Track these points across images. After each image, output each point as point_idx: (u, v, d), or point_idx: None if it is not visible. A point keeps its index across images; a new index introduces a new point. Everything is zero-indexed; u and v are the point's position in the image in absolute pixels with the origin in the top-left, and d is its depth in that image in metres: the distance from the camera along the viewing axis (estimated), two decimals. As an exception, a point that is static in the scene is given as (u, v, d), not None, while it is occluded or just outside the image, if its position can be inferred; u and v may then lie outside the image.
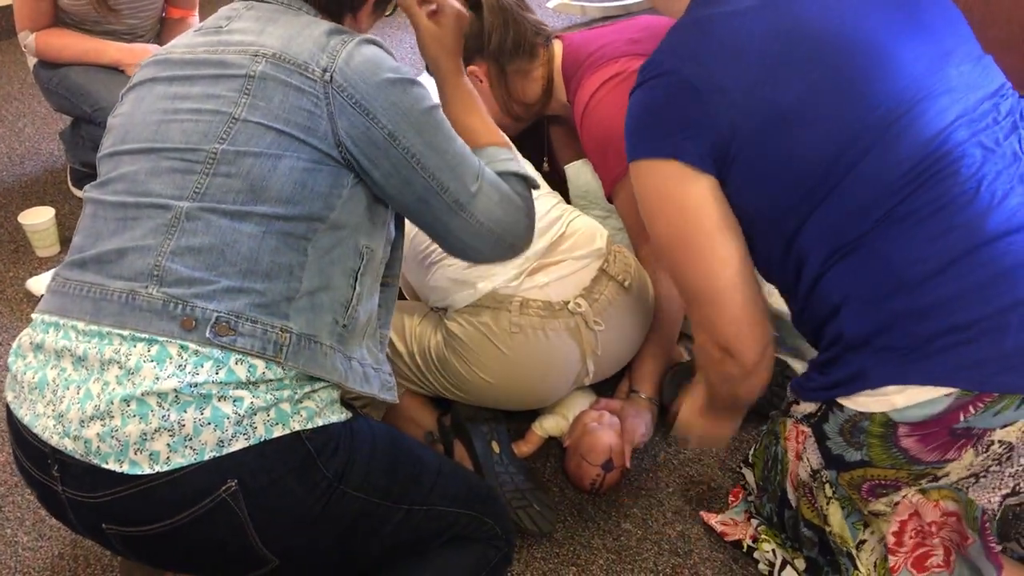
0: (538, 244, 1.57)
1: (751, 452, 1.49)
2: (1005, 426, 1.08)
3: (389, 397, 1.22)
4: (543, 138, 2.06)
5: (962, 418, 1.08)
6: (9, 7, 2.31)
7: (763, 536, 1.43)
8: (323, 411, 1.10)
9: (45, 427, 1.05)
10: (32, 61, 2.40)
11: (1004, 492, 1.14)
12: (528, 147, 1.92)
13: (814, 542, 1.32)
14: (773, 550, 1.41)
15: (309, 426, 1.07)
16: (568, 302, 1.55)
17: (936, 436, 1.10)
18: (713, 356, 1.23)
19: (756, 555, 1.44)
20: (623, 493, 1.60)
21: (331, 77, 1.10)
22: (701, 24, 1.17)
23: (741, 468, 1.53)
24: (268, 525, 1.05)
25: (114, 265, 1.08)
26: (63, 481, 1.05)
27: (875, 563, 1.23)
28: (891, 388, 1.09)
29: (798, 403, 1.26)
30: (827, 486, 1.23)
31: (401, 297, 1.73)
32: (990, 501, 1.14)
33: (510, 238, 1.22)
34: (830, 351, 1.17)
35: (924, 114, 1.10)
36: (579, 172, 1.95)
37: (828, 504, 1.25)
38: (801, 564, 1.38)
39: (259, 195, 1.08)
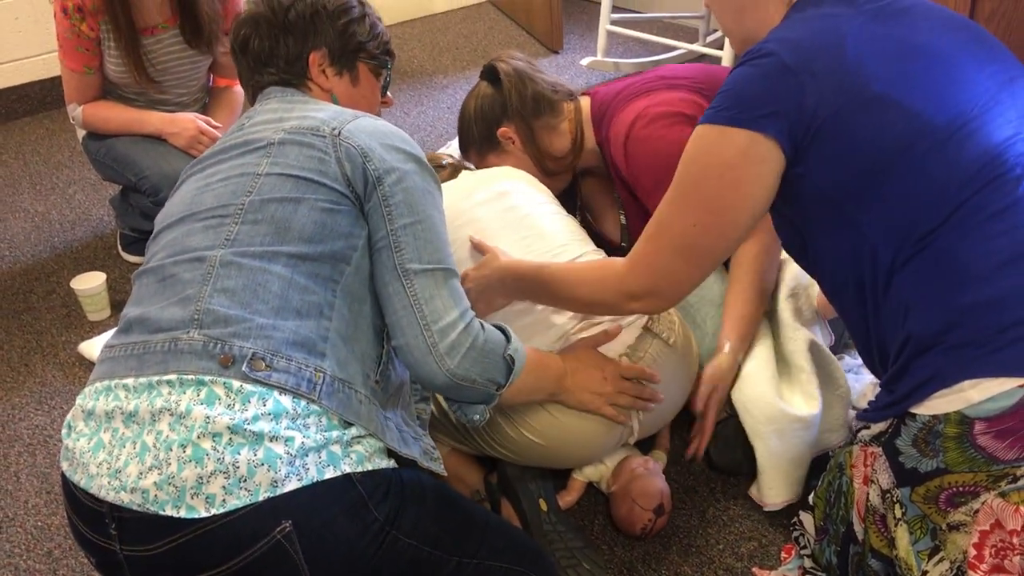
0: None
1: (812, 495, 1.46)
2: None
3: (434, 467, 1.24)
4: (575, 193, 2.09)
5: None
6: (59, 78, 2.39)
7: None
8: (372, 457, 1.13)
9: (101, 486, 1.06)
10: (81, 133, 2.48)
11: None
12: (561, 202, 1.94)
13: (879, 574, 1.29)
14: None
15: (359, 469, 1.09)
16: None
17: (1013, 430, 1.09)
18: (635, 291, 1.32)
19: None
20: (672, 551, 1.58)
21: (339, 132, 1.25)
22: (806, 20, 1.24)
23: (798, 516, 1.50)
24: (322, 568, 1.06)
25: (156, 321, 1.14)
26: (121, 539, 1.06)
27: None
28: (965, 383, 1.10)
29: (868, 427, 1.26)
30: (897, 506, 1.22)
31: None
32: None
33: (443, 343, 1.20)
34: (898, 362, 1.18)
35: (991, 122, 1.17)
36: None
37: (896, 527, 1.23)
38: None
39: (284, 236, 1.17)
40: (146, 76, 2.30)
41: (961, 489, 1.16)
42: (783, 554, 1.54)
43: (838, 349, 1.86)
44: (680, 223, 1.26)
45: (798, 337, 1.69)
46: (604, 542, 1.61)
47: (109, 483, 1.06)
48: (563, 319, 1.57)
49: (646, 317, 1.60)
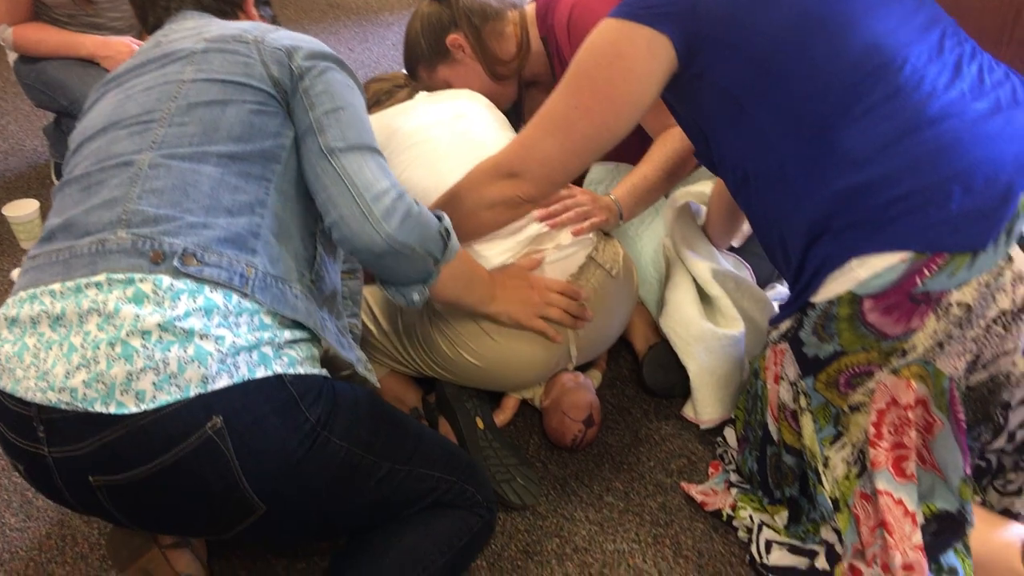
0: (529, 230, 1.60)
1: (734, 411, 1.52)
2: (960, 287, 1.15)
3: (369, 376, 1.26)
4: (519, 106, 2.10)
5: (919, 282, 1.15)
6: (-10, 4, 2.31)
7: (740, 504, 1.46)
8: (304, 362, 1.14)
9: (28, 388, 1.06)
10: (12, 57, 2.41)
11: (968, 359, 1.20)
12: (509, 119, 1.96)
13: (796, 473, 1.36)
14: (750, 515, 1.44)
15: (291, 371, 1.10)
16: None
17: (898, 305, 1.16)
18: (508, 169, 1.37)
19: (735, 523, 1.47)
20: (605, 468, 1.62)
21: (262, 39, 1.27)
22: None
23: (722, 434, 1.56)
24: (254, 466, 1.07)
25: (81, 225, 1.12)
26: (49, 441, 1.06)
27: (836, 480, 1.28)
28: (853, 262, 1.17)
29: (776, 329, 1.32)
30: (803, 397, 1.28)
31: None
32: (956, 367, 1.19)
33: (377, 208, 1.20)
34: (797, 253, 1.25)
35: (875, 14, 1.22)
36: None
37: (802, 415, 1.30)
38: (782, 518, 1.41)
39: (212, 136, 1.18)
40: None
41: (857, 370, 1.22)
42: (710, 469, 1.59)
43: (763, 282, 1.92)
44: (564, 104, 1.31)
45: (701, 269, 1.75)
46: (539, 459, 1.65)
47: (36, 385, 1.05)
48: (493, 252, 1.58)
49: (591, 246, 1.62)
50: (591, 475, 1.61)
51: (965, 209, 1.12)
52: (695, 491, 1.54)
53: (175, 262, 1.08)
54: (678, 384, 1.73)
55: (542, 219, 1.57)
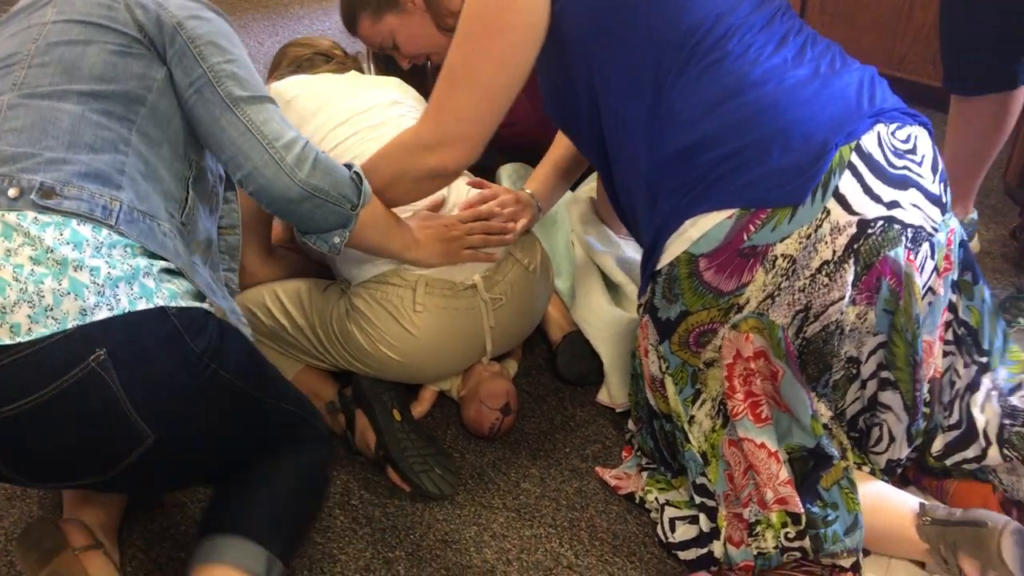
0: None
1: (628, 396, 1.58)
2: (783, 239, 1.22)
3: (242, 328, 1.28)
4: None
5: (745, 237, 1.22)
6: None
7: (648, 487, 1.51)
8: (184, 296, 1.14)
9: None
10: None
11: (798, 308, 1.28)
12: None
13: (674, 433, 1.42)
14: (656, 498, 1.49)
15: (173, 304, 1.11)
16: (473, 283, 1.59)
17: (729, 261, 1.24)
18: (428, 140, 1.36)
19: (647, 505, 1.51)
20: (522, 455, 1.65)
21: None
22: None
23: (629, 421, 1.61)
24: (142, 396, 1.08)
25: None
26: None
27: (704, 434, 1.36)
28: (686, 223, 1.24)
29: (640, 304, 1.39)
30: (662, 362, 1.36)
31: (323, 273, 1.75)
32: (786, 317, 1.28)
33: (289, 156, 1.23)
34: (642, 218, 1.33)
35: None
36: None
37: (664, 380, 1.37)
38: (683, 493, 1.47)
39: (73, 75, 1.17)
40: None
41: (703, 328, 1.30)
42: (624, 454, 1.63)
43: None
44: (461, 53, 1.32)
45: (605, 259, 1.80)
46: (456, 449, 1.67)
47: None
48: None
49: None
50: (508, 463, 1.64)
51: (784, 165, 1.20)
52: (609, 475, 1.58)
53: (33, 195, 1.07)
54: (592, 371, 1.77)
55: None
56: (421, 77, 1.98)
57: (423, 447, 1.58)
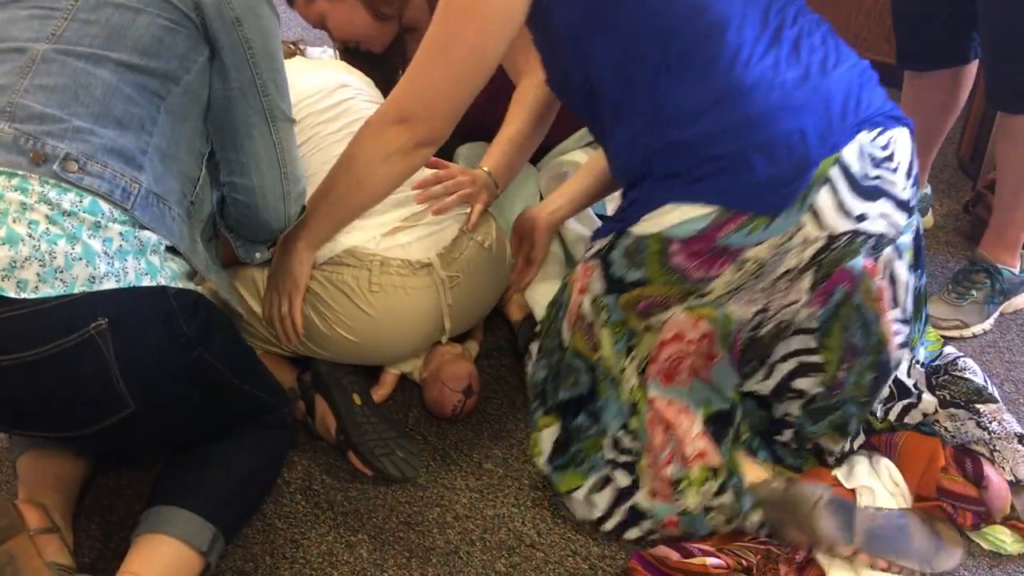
0: (410, 208, 1.60)
1: (541, 321, 1.58)
2: (756, 245, 1.26)
3: (232, 300, 1.33)
4: (400, 55, 2.08)
5: (720, 236, 1.25)
6: None
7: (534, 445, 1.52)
8: (183, 277, 1.17)
9: None
10: None
11: (756, 308, 1.33)
12: (385, 66, 1.97)
13: (576, 378, 1.45)
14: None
15: (173, 285, 1.13)
16: (428, 262, 1.58)
17: (701, 252, 1.27)
18: (398, 113, 1.37)
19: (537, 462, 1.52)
20: (484, 436, 1.65)
21: None
22: None
23: (528, 349, 1.60)
24: (132, 370, 1.10)
25: None
26: None
27: (631, 389, 1.40)
28: (667, 207, 1.27)
29: (592, 246, 1.41)
30: (604, 311, 1.38)
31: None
32: (746, 312, 1.34)
33: (294, 192, 1.32)
34: (624, 198, 1.37)
35: None
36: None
37: (602, 329, 1.40)
38: (552, 432, 1.49)
39: (116, 42, 1.13)
40: None
41: (657, 300, 1.34)
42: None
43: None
44: (436, 32, 1.33)
45: (570, 232, 1.81)
46: (418, 432, 1.67)
47: None
48: (371, 224, 1.59)
49: (463, 220, 1.64)
50: (471, 444, 1.64)
51: (767, 177, 1.24)
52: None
53: (55, 166, 1.06)
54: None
55: (421, 201, 1.58)
56: (390, 70, 1.97)
57: (384, 430, 1.57)
